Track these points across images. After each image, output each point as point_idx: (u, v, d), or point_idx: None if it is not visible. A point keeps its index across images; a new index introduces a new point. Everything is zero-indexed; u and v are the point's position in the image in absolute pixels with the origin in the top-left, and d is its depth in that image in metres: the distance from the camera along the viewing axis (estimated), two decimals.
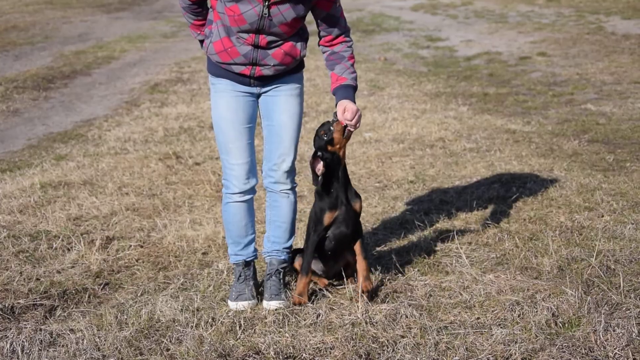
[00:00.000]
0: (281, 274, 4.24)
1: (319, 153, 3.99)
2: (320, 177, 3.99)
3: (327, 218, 4.05)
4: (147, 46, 15.40)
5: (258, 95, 4.12)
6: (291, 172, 4.18)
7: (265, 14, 3.82)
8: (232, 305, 4.09)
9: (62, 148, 7.95)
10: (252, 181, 4.14)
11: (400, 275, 4.40)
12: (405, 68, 12.49)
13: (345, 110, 3.85)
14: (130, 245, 5.10)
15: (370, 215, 5.55)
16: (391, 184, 6.34)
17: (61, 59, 13.84)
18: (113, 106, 10.33)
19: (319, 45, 4.09)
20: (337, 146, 3.98)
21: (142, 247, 5.11)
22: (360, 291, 4.01)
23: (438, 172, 6.55)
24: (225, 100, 4.07)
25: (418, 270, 4.46)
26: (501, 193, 5.83)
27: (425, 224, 5.27)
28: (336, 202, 4.05)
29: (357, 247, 4.14)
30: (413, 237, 5.05)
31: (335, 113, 3.91)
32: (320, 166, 3.98)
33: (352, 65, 4.01)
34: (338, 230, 4.09)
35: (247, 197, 4.16)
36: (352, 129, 3.90)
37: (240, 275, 4.22)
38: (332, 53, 4.02)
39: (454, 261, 4.54)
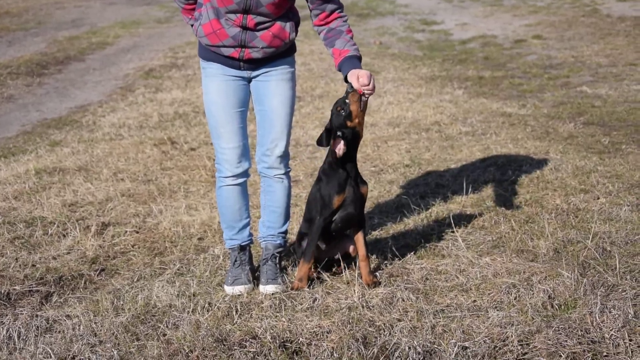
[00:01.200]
0: (277, 258, 4.24)
1: (339, 132, 3.87)
2: (338, 158, 3.91)
3: (336, 201, 3.98)
4: (141, 32, 15.33)
5: (249, 80, 4.10)
6: (284, 157, 4.16)
7: None
8: (229, 290, 4.09)
9: (56, 134, 7.92)
10: (245, 165, 4.12)
11: (396, 259, 4.40)
12: (400, 52, 12.45)
13: (359, 76, 3.78)
14: (126, 231, 5.09)
15: (367, 199, 5.53)
16: (387, 167, 6.33)
17: (55, 44, 13.77)
18: (107, 92, 10.29)
19: (314, 27, 4.06)
20: (357, 120, 3.87)
21: (137, 232, 5.10)
22: (366, 284, 4.00)
23: (434, 156, 6.54)
24: (215, 85, 4.05)
25: (414, 253, 4.45)
26: (497, 176, 5.83)
27: (421, 207, 5.27)
28: (345, 183, 3.97)
29: (360, 239, 4.08)
30: (409, 221, 5.05)
31: (350, 85, 3.81)
32: (341, 145, 3.87)
33: (352, 38, 3.95)
34: (345, 212, 4.03)
35: (240, 180, 4.15)
36: (369, 95, 3.81)
37: (235, 260, 4.21)
38: (329, 30, 3.96)
39: (450, 244, 4.54)
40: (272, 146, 4.11)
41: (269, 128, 4.10)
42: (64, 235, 5.04)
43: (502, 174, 5.86)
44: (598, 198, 5.14)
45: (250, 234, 4.30)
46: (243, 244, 4.25)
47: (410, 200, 5.45)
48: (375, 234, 4.89)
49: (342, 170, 3.97)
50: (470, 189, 5.54)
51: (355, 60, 3.87)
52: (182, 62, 11.92)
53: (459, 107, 8.25)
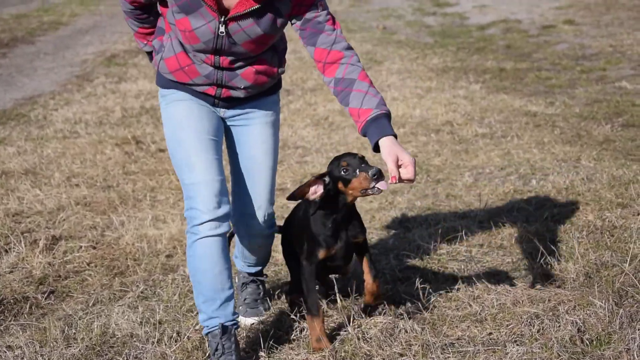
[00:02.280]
0: (259, 281, 4.24)
1: (326, 179, 3.63)
2: (313, 202, 3.65)
3: (322, 254, 3.75)
4: (102, 10, 15.35)
5: (222, 120, 3.80)
6: (268, 220, 3.92)
7: (222, 33, 3.46)
8: None
9: None
10: (225, 207, 3.58)
11: (399, 282, 4.41)
12: (407, 38, 12.49)
13: (400, 163, 3.30)
14: (81, 247, 5.09)
15: (365, 212, 5.56)
16: (389, 175, 6.34)
17: None
18: (61, 81, 10.28)
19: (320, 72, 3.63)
20: (350, 193, 3.60)
21: (94, 248, 5.10)
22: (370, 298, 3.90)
23: (444, 162, 6.56)
24: (184, 107, 3.67)
25: (420, 276, 4.46)
26: (519, 186, 5.85)
27: (429, 222, 5.29)
28: (334, 239, 3.74)
29: (365, 265, 3.90)
30: (415, 238, 5.06)
31: (376, 170, 3.46)
32: (319, 191, 3.60)
33: (370, 85, 3.46)
34: (334, 263, 3.89)
35: (221, 229, 3.57)
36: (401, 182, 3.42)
37: (217, 349, 3.59)
38: (337, 81, 3.48)
39: (462, 266, 4.55)
40: (253, 210, 3.86)
41: (250, 185, 3.83)
42: (6, 251, 5.04)
43: (525, 184, 5.89)
44: (638, 214, 5.17)
45: (236, 313, 3.69)
46: (227, 323, 3.62)
47: (416, 213, 5.46)
48: (375, 252, 4.90)
49: (331, 224, 3.71)
50: (487, 201, 5.56)
51: (384, 123, 3.37)
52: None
53: (475, 104, 8.28)
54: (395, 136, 3.38)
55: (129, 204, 5.86)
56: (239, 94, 3.69)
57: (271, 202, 3.90)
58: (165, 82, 3.74)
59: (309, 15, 3.47)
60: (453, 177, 6.18)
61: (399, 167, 3.29)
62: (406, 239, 5.09)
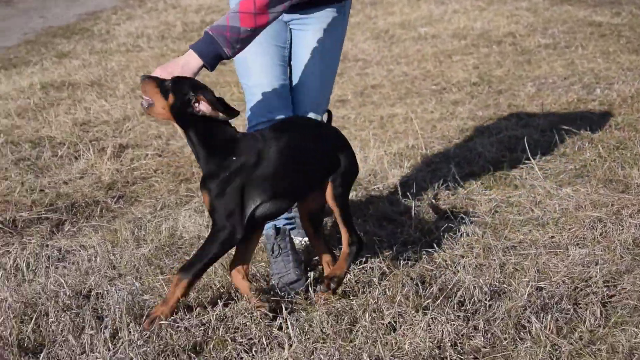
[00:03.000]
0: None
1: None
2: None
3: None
4: None
5: (286, 23, 3.64)
6: None
7: None
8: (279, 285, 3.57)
9: (64, 44, 8.04)
10: (280, 112, 3.55)
11: (460, 188, 4.43)
12: None
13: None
14: (147, 154, 5.19)
15: (426, 122, 5.56)
16: (450, 86, 6.32)
17: None
18: None
19: None
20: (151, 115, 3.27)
21: (160, 156, 5.20)
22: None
23: (507, 73, 6.50)
24: None
25: (482, 183, 4.48)
26: (582, 95, 5.78)
27: (491, 131, 5.27)
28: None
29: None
30: (476, 146, 5.05)
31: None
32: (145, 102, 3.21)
33: (238, 12, 3.16)
34: None
35: None
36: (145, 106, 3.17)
37: (273, 250, 3.67)
38: None
39: (524, 173, 4.55)
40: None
41: (300, 94, 3.68)
42: (76, 158, 5.16)
43: (589, 93, 5.82)
44: None
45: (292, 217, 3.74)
46: (279, 225, 3.66)
47: (478, 123, 5.44)
48: (435, 160, 4.92)
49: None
50: (549, 111, 5.51)
51: (203, 39, 3.19)
52: None
53: (538, 15, 8.14)
54: (199, 54, 3.16)
55: None
56: None
57: (320, 109, 3.72)
58: None
59: None
60: (515, 88, 6.12)
61: None
62: (467, 147, 5.09)
